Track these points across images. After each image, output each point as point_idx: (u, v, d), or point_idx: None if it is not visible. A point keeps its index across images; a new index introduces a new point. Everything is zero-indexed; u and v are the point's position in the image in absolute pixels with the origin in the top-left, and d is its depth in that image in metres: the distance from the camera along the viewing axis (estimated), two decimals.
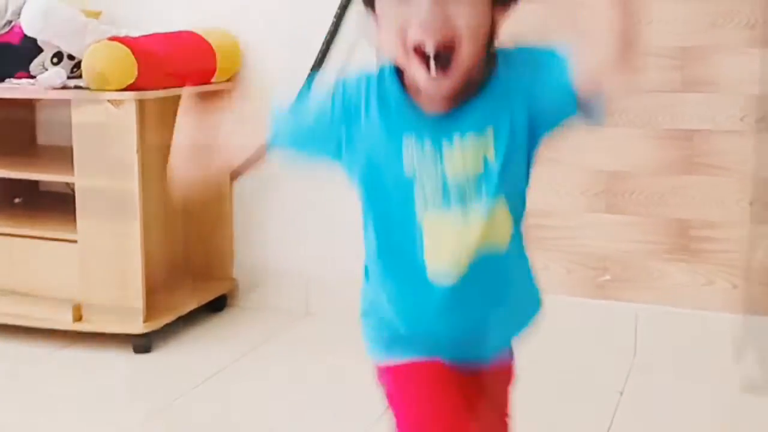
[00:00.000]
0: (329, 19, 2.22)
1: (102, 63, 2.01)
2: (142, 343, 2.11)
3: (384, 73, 0.96)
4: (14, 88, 2.19)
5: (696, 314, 2.04)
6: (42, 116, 2.63)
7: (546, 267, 2.07)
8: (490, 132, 0.93)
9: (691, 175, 2.02)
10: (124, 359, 2.07)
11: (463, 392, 1.03)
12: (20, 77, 2.23)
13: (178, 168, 1.06)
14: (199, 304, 2.31)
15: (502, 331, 1.04)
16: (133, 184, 2.05)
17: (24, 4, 2.15)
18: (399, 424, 1.04)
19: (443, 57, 0.87)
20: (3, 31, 2.24)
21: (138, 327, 2.09)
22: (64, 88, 2.12)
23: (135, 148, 2.03)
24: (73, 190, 2.11)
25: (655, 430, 1.74)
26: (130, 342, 2.11)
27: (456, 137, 0.93)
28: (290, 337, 2.25)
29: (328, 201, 2.29)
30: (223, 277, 2.44)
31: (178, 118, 1.10)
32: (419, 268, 0.96)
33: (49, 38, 2.14)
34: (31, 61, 2.20)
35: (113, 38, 2.06)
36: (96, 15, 2.32)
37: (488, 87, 0.94)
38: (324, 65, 2.25)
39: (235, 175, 1.21)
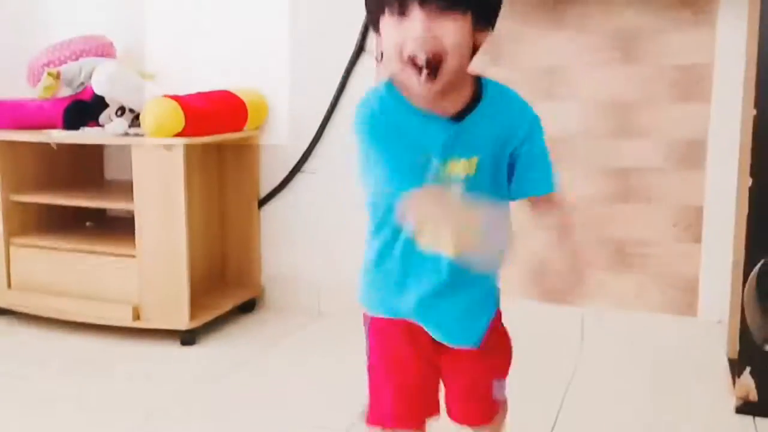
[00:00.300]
0: (338, 79, 2.27)
1: (156, 115, 2.02)
2: (188, 337, 2.12)
3: (386, 94, 0.96)
4: (87, 135, 2.21)
5: (631, 315, 2.08)
6: (109, 157, 2.64)
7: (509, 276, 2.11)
8: (474, 159, 0.97)
9: (626, 203, 2.06)
10: (173, 350, 2.08)
11: (435, 360, 1.06)
12: (91, 126, 2.26)
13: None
14: (234, 306, 2.32)
15: (474, 314, 1.05)
16: (180, 211, 2.06)
17: (93, 69, 2.19)
18: (371, 366, 1.08)
19: (432, 66, 0.90)
20: (78, 91, 2.31)
21: (184, 324, 2.10)
22: (126, 135, 2.14)
23: (182, 182, 2.05)
24: (132, 216, 2.12)
25: (599, 403, 1.73)
26: (178, 336, 2.12)
27: (453, 158, 0.96)
28: (305, 333, 2.25)
29: (336, 223, 2.34)
30: (253, 283, 2.44)
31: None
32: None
33: (114, 96, 2.18)
34: (99, 113, 2.23)
35: (165, 96, 2.07)
36: (151, 77, 2.35)
37: (480, 109, 0.97)
38: (333, 115, 2.31)
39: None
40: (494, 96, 0.99)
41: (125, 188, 2.19)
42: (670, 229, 2.03)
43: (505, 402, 1.16)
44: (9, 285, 2.32)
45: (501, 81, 1.02)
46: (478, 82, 0.99)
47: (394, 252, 1.02)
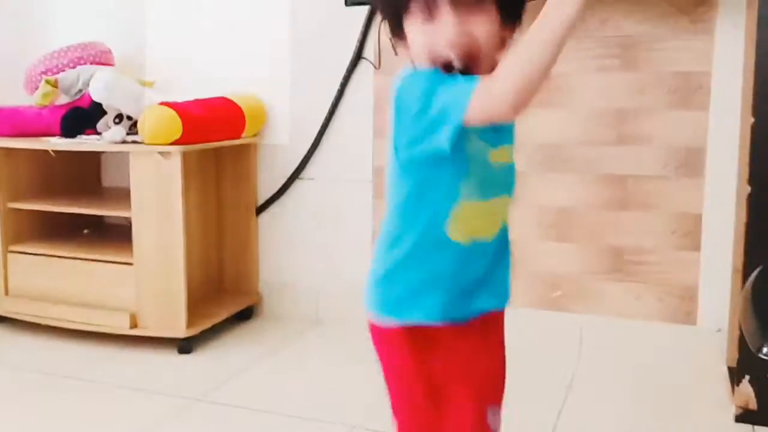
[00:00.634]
0: (336, 86, 2.27)
1: (154, 123, 2.01)
2: (185, 345, 2.11)
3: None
4: (84, 143, 2.20)
5: (630, 323, 2.07)
6: (106, 164, 2.64)
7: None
8: (513, 144, 0.96)
9: (625, 211, 2.06)
10: (170, 358, 2.07)
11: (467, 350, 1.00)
12: (89, 134, 2.25)
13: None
14: (231, 314, 2.30)
15: (506, 280, 1.04)
16: (178, 218, 2.06)
17: (91, 77, 2.18)
18: (394, 380, 1.00)
19: (468, 68, 0.88)
20: (76, 98, 2.30)
21: (181, 332, 2.09)
22: (124, 142, 2.13)
23: (180, 190, 2.04)
24: (130, 223, 2.11)
25: (598, 410, 1.73)
26: (175, 344, 2.11)
27: (500, 145, 0.94)
28: (303, 340, 2.25)
29: (333, 230, 2.34)
30: (250, 291, 2.43)
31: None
32: (447, 234, 0.94)
33: (111, 103, 2.17)
34: (97, 121, 2.22)
35: (163, 103, 2.06)
36: (149, 84, 2.35)
37: None
38: (331, 122, 2.31)
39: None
40: None
41: (123, 195, 2.19)
42: (669, 236, 2.02)
43: None
44: (6, 292, 2.32)
45: None
46: None
47: (435, 251, 0.96)
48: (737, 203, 1.90)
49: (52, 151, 2.24)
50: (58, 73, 2.35)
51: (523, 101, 0.80)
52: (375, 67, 2.24)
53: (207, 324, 2.18)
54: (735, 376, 1.68)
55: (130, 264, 2.12)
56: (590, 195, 2.07)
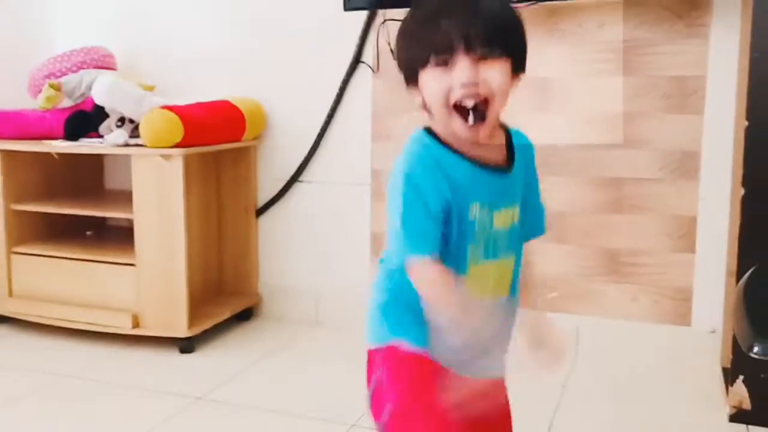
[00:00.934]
0: (335, 90, 2.28)
1: (156, 126, 2.02)
2: (186, 345, 2.11)
3: (433, 148, 0.95)
4: (87, 146, 2.21)
5: (624, 324, 2.06)
6: (108, 167, 2.65)
7: None
8: (516, 206, 0.99)
9: (621, 213, 2.05)
10: (171, 358, 2.08)
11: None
12: (92, 137, 2.26)
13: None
14: (231, 314, 2.30)
15: (504, 349, 1.03)
16: (179, 220, 2.06)
17: (94, 80, 2.20)
18: (399, 402, 0.99)
19: (479, 110, 0.91)
20: (79, 101, 2.31)
21: (183, 332, 2.10)
22: (126, 145, 2.13)
23: (181, 192, 2.04)
24: (132, 225, 2.12)
25: (594, 410, 1.73)
26: (177, 344, 2.11)
27: (502, 207, 0.97)
28: (303, 341, 2.24)
29: (332, 232, 2.34)
30: (250, 292, 2.43)
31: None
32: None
33: (114, 107, 2.18)
34: (100, 124, 2.23)
35: (164, 107, 2.07)
36: (151, 88, 2.35)
37: (516, 160, 0.98)
38: (330, 126, 2.31)
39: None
40: (518, 143, 1.01)
41: (125, 197, 2.19)
42: (665, 238, 2.01)
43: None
44: (10, 293, 2.32)
45: None
46: (505, 130, 1.01)
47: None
48: (731, 206, 1.90)
49: (56, 153, 2.25)
50: (61, 76, 2.36)
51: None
52: (373, 71, 2.24)
53: (208, 324, 2.19)
54: (729, 376, 1.67)
55: (132, 265, 2.13)
56: (586, 197, 2.07)
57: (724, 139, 1.93)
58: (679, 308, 2.02)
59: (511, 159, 0.99)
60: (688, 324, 2.01)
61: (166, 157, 2.04)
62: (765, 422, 1.64)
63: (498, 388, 1.06)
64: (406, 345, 0.99)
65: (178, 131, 2.03)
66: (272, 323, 2.39)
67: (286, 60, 2.35)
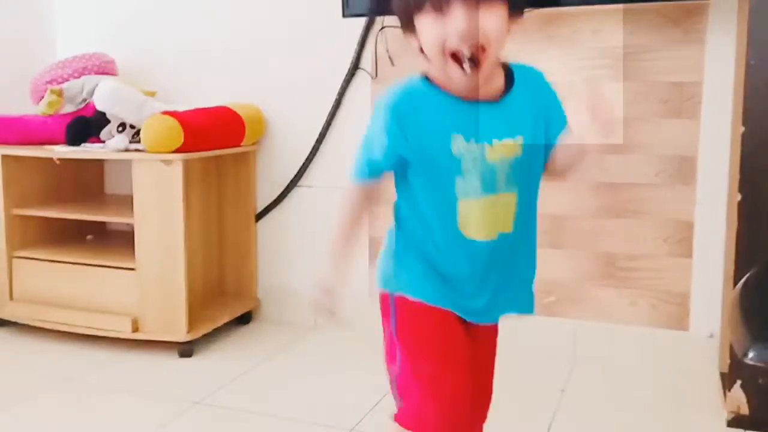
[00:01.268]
0: (334, 95, 2.27)
1: (156, 131, 2.01)
2: (186, 349, 2.10)
3: (419, 85, 0.96)
4: (88, 151, 2.20)
5: (622, 329, 2.05)
6: (109, 172, 2.64)
7: None
8: (519, 138, 0.95)
9: (618, 218, 2.05)
10: (171, 362, 2.07)
11: (468, 346, 1.01)
12: (93, 142, 2.25)
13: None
14: (230, 318, 2.29)
15: (509, 293, 1.03)
16: (179, 225, 2.05)
17: (95, 86, 2.19)
18: (410, 352, 1.00)
19: (475, 58, 0.90)
20: (80, 107, 2.31)
21: (182, 336, 2.09)
22: (127, 150, 2.13)
23: (181, 197, 2.04)
24: (132, 229, 2.11)
25: (591, 415, 1.72)
26: (176, 348, 2.10)
27: (495, 140, 0.94)
28: (302, 345, 2.23)
29: (330, 237, 2.36)
30: (249, 296, 2.43)
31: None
32: (458, 233, 0.96)
33: (115, 112, 2.17)
34: (101, 129, 2.21)
35: (165, 112, 2.07)
36: (152, 94, 2.35)
37: (514, 92, 0.96)
38: (329, 131, 2.31)
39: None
40: (523, 77, 0.98)
41: (125, 202, 2.19)
42: (662, 243, 2.00)
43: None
44: (11, 297, 2.31)
45: None
46: (506, 67, 0.99)
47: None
48: (728, 210, 1.89)
49: (57, 159, 2.24)
50: (63, 82, 2.36)
51: None
52: (372, 76, 2.23)
53: (207, 328, 2.18)
54: (727, 381, 1.66)
55: (132, 269, 2.12)
56: (584, 202, 2.06)
57: (721, 144, 1.92)
58: (676, 313, 2.01)
59: (506, 91, 0.97)
60: (686, 329, 2.00)
61: (166, 162, 2.04)
62: (763, 427, 1.63)
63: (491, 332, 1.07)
64: (412, 297, 1.00)
65: (178, 137, 2.02)
66: (271, 327, 2.38)
67: (286, 66, 2.34)
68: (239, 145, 2.29)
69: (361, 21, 2.21)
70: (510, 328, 1.17)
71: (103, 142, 2.22)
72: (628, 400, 1.82)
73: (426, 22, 0.91)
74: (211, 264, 2.38)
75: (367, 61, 2.24)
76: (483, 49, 0.89)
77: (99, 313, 2.17)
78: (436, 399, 0.97)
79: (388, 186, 1.05)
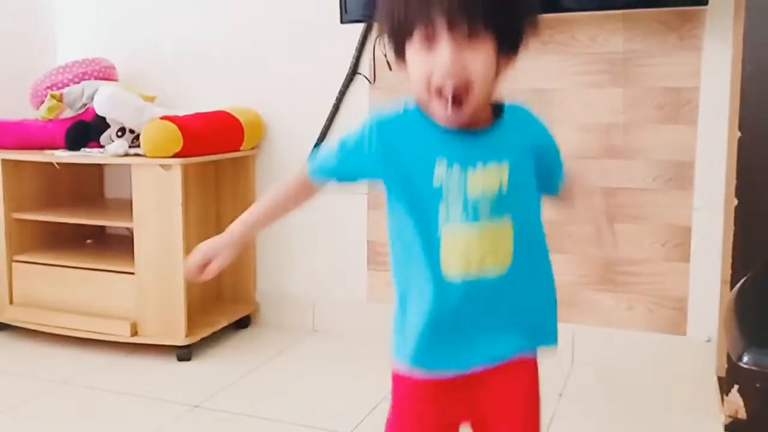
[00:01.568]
0: (333, 100, 2.27)
1: (155, 136, 2.01)
2: (184, 353, 2.10)
3: (410, 110, 0.94)
4: (88, 155, 2.20)
5: (620, 333, 2.05)
6: (109, 176, 2.64)
7: None
8: (505, 163, 0.92)
9: (615, 223, 2.05)
10: (170, 366, 2.07)
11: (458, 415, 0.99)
12: (92, 146, 2.25)
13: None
14: (229, 322, 2.29)
15: (504, 333, 0.98)
16: (178, 229, 2.05)
17: (95, 91, 2.19)
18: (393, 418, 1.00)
19: (458, 97, 0.87)
20: (80, 112, 2.30)
21: (181, 340, 2.09)
22: (126, 155, 2.13)
23: (180, 201, 2.04)
24: (131, 233, 2.12)
25: (589, 419, 1.71)
26: (175, 352, 2.10)
27: (479, 164, 0.91)
28: (300, 349, 2.23)
29: (330, 242, 2.32)
30: (248, 300, 2.42)
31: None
32: (438, 270, 0.92)
33: (115, 117, 2.17)
34: (101, 134, 2.22)
35: (164, 117, 2.07)
36: (151, 99, 2.35)
37: (501, 124, 0.94)
38: (328, 136, 2.30)
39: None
40: (512, 112, 0.97)
41: (125, 206, 2.19)
42: (659, 248, 2.00)
43: None
44: (11, 301, 2.31)
45: None
46: (496, 106, 0.97)
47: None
48: (725, 215, 1.88)
49: (57, 163, 2.24)
50: (63, 87, 2.35)
51: None
52: (370, 82, 2.24)
53: (206, 332, 2.17)
54: (724, 385, 1.65)
55: (131, 273, 2.12)
56: (582, 207, 2.06)
57: (718, 149, 1.92)
58: (674, 317, 2.00)
59: (494, 122, 0.95)
60: (684, 333, 2.00)
61: (165, 166, 2.04)
62: (760, 431, 1.62)
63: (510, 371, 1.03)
64: (400, 367, 0.98)
65: (177, 141, 2.02)
66: (270, 331, 2.38)
67: (284, 71, 2.34)
68: (238, 150, 2.29)
69: (359, 27, 2.22)
70: None
71: (103, 146, 2.22)
72: (625, 405, 1.82)
73: (414, 53, 0.90)
74: None
75: (365, 66, 2.25)
76: (467, 88, 0.87)
77: (98, 316, 2.16)
78: None
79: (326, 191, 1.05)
